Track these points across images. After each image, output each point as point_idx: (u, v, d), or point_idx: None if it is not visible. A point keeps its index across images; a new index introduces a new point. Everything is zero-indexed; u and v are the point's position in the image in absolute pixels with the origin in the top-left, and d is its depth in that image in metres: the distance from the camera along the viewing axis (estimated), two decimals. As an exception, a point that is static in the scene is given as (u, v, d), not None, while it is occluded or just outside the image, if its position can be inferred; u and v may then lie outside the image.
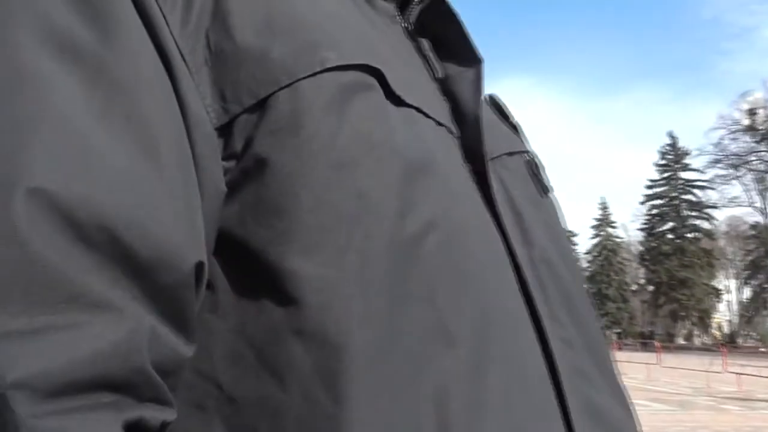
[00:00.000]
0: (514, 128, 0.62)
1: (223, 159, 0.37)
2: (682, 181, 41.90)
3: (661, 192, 42.76)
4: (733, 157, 38.35)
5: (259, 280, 0.36)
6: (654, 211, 43.09)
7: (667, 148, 42.19)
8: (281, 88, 0.37)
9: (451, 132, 0.48)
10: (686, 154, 41.40)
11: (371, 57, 0.41)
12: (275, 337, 0.35)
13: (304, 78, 0.38)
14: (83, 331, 0.28)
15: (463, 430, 0.36)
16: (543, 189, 0.56)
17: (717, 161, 38.92)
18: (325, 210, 0.37)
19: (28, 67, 0.32)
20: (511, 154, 0.54)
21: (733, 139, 38.31)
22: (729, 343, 37.01)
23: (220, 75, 0.38)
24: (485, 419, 0.37)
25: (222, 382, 0.36)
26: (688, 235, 41.34)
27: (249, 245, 0.37)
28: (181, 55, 0.37)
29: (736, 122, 37.80)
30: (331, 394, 0.34)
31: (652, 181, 43.16)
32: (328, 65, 0.39)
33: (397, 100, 0.42)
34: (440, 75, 0.52)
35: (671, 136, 42.45)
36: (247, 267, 0.37)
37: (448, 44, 0.53)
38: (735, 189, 48.82)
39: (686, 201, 41.70)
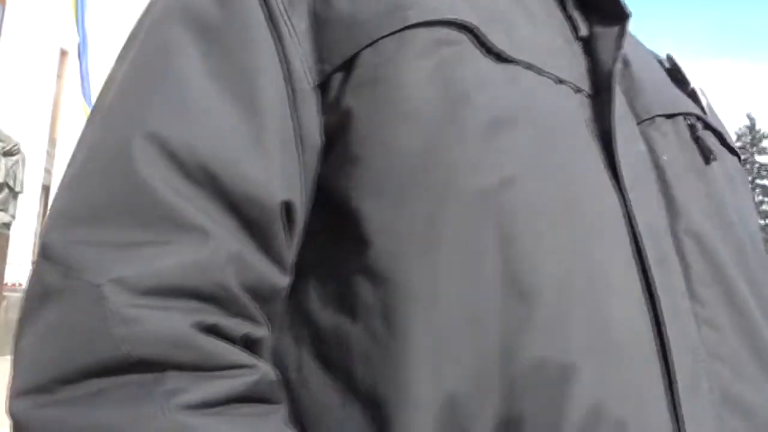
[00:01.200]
0: (692, 93, 0.57)
1: (321, 114, 0.41)
2: (758, 165, 40.71)
3: (734, 175, 40.87)
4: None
5: (343, 224, 0.40)
6: (725, 195, 40.74)
7: (744, 129, 41.07)
8: (365, 47, 0.41)
9: (579, 90, 0.46)
10: (764, 137, 40.70)
11: (461, 13, 0.42)
12: (351, 277, 0.39)
13: (386, 36, 0.41)
14: (173, 246, 0.36)
15: (534, 393, 0.36)
16: (708, 156, 0.51)
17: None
18: (396, 158, 0.39)
19: (164, 40, 0.41)
20: (670, 116, 0.51)
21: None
22: None
23: (319, 38, 0.42)
24: (564, 384, 0.37)
25: (313, 316, 0.41)
26: (761, 222, 39.60)
27: (336, 192, 0.41)
28: (289, 22, 0.42)
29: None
30: (390, 329, 0.37)
31: (725, 163, 41.18)
32: (409, 23, 0.41)
33: (497, 56, 0.43)
34: (584, 34, 0.50)
35: (749, 117, 41.70)
36: (335, 212, 0.41)
37: (597, 1, 0.51)
38: None
39: (761, 186, 40.36)
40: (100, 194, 0.37)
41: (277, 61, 0.41)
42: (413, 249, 0.38)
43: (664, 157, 0.48)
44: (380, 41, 0.41)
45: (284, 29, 0.42)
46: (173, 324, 0.34)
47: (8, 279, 7.62)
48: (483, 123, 0.41)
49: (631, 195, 0.43)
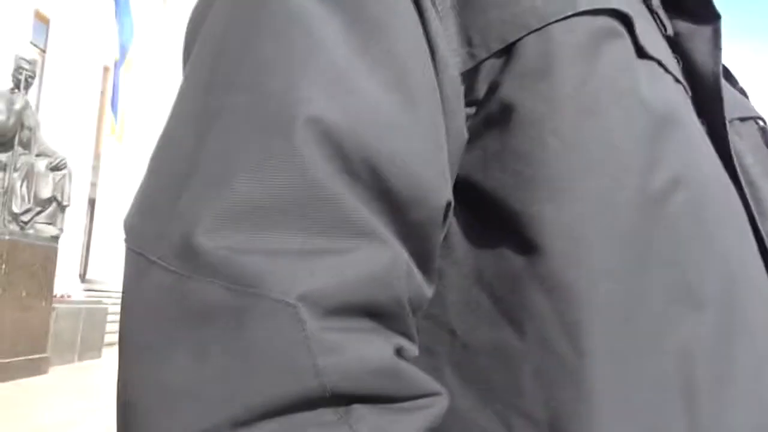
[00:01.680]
0: (743, 93, 0.57)
1: (466, 105, 0.37)
2: None
3: None
4: None
5: (499, 227, 0.36)
6: None
7: None
8: (531, 32, 0.36)
9: (686, 91, 0.45)
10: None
11: (620, 3, 0.40)
12: (514, 285, 0.35)
13: (556, 21, 0.37)
14: (353, 255, 0.30)
15: (708, 398, 0.35)
16: None
17: None
18: (573, 156, 0.36)
19: (298, 9, 0.33)
20: (743, 119, 0.51)
21: None
22: None
23: (467, 20, 0.37)
24: (733, 391, 0.36)
25: (455, 328, 0.36)
26: None
27: (490, 191, 0.36)
28: (432, 0, 0.36)
29: None
30: (573, 345, 0.33)
31: None
32: (580, 9, 0.38)
33: (640, 51, 0.40)
34: (669, 32, 0.49)
35: None
36: (486, 213, 0.36)
37: (679, 0, 0.50)
38: None
39: None
40: (261, 191, 0.30)
41: (422, 40, 0.35)
42: (594, 256, 0.35)
43: (750, 160, 0.48)
44: (548, 27, 0.37)
45: (428, 5, 0.36)
46: (377, 349, 0.29)
47: (57, 291, 7.80)
48: (653, 121, 0.38)
49: (750, 197, 0.44)
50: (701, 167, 0.40)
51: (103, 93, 12.89)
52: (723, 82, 0.53)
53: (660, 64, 0.42)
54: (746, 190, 0.45)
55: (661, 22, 0.49)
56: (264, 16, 0.33)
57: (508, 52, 0.37)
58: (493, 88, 0.36)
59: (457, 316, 0.36)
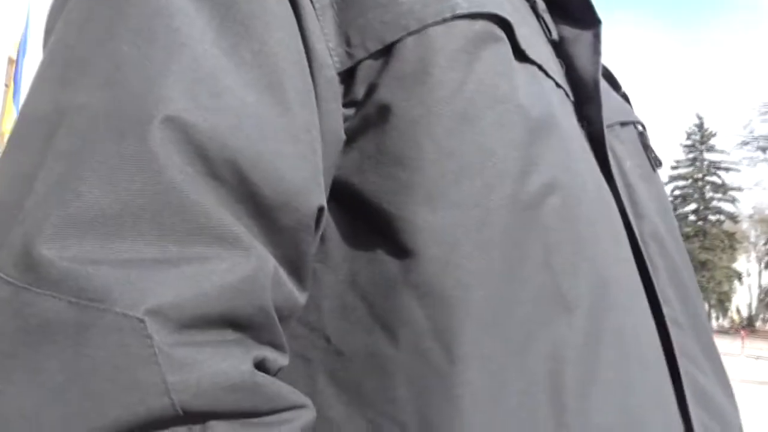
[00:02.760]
0: (625, 98, 0.58)
1: (344, 105, 0.36)
2: (707, 162, 41.92)
3: (685, 173, 42.09)
4: (761, 138, 39.80)
5: (374, 231, 0.35)
6: (677, 192, 42.08)
7: (694, 128, 42.27)
8: (409, 34, 0.36)
9: (567, 95, 0.45)
10: (713, 135, 41.91)
11: (500, 8, 0.39)
12: (389, 290, 0.34)
13: (434, 24, 0.36)
14: (213, 264, 0.28)
15: (576, 400, 0.35)
16: (654, 163, 0.53)
17: (745, 143, 39.91)
18: (449, 161, 0.35)
19: (164, 3, 0.31)
20: (623, 124, 0.52)
21: (764, 121, 40.06)
22: (747, 327, 36.21)
23: (346, 19, 0.36)
24: (599, 392, 0.36)
25: (330, 334, 0.35)
26: (711, 218, 40.82)
27: (366, 194, 0.35)
28: None
29: (766, 103, 39.61)
30: (445, 352, 0.33)
31: (677, 161, 42.35)
32: (459, 12, 0.37)
33: (522, 56, 0.40)
34: (554, 37, 0.49)
35: (698, 116, 42.88)
36: (362, 217, 0.35)
37: (564, 5, 0.50)
38: (761, 172, 51.45)
39: (710, 183, 41.56)
40: (112, 197, 0.27)
41: (298, 40, 0.34)
42: (467, 262, 0.34)
43: (628, 163, 0.49)
44: (426, 29, 0.36)
45: (305, 3, 0.35)
46: (233, 364, 0.27)
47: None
48: (528, 126, 0.38)
49: (625, 200, 0.44)
50: (576, 172, 0.40)
51: (8, 86, 12.18)
52: (605, 86, 0.53)
53: (540, 68, 0.42)
54: (623, 192, 0.45)
55: (547, 26, 0.49)
56: (127, 8, 0.31)
57: (386, 53, 0.36)
58: (371, 89, 0.36)
59: (331, 323, 0.35)
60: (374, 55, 0.36)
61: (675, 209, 41.92)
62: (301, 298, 0.34)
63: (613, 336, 0.38)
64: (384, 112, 0.36)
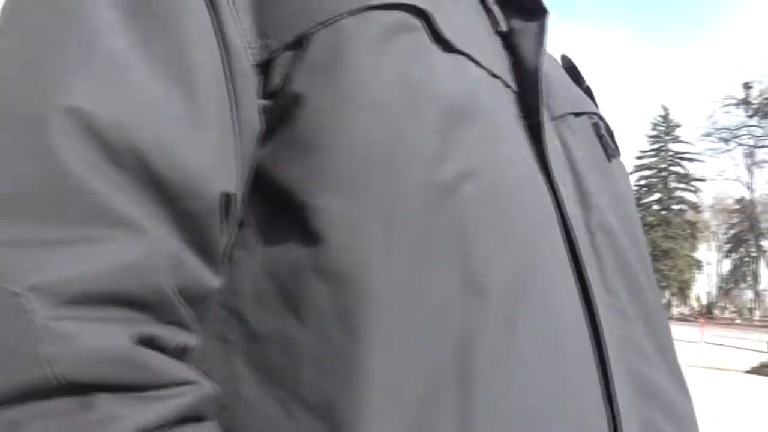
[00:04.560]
0: (587, 91, 0.59)
1: (263, 97, 0.37)
2: (671, 153, 42.74)
3: (650, 163, 42.88)
4: (724, 130, 40.73)
5: (287, 218, 0.36)
6: (642, 182, 42.91)
7: (659, 119, 43.00)
8: (322, 25, 0.37)
9: (507, 86, 0.46)
10: (677, 126, 42.69)
11: None
12: (297, 275, 0.35)
13: (346, 15, 0.37)
14: (105, 245, 0.30)
15: (487, 383, 0.35)
16: (609, 153, 0.53)
17: (708, 134, 40.81)
18: (357, 149, 0.36)
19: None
20: (577, 114, 0.52)
21: (726, 112, 40.99)
22: (706, 314, 37.38)
23: (263, 11, 0.37)
24: (513, 375, 0.36)
25: (246, 317, 0.36)
26: (674, 207, 41.73)
27: (280, 182, 0.37)
28: None
29: (730, 96, 40.50)
30: (347, 333, 0.34)
31: (642, 151, 43.15)
32: (372, 3, 0.38)
33: (445, 45, 0.41)
34: (503, 29, 0.50)
35: (663, 107, 43.60)
36: (276, 204, 0.37)
37: None
38: (723, 162, 52.39)
39: (674, 173, 42.42)
40: (9, 182, 0.29)
41: (212, 33, 0.36)
42: (372, 247, 0.35)
43: (579, 153, 0.49)
44: (339, 21, 0.37)
45: None
46: (111, 338, 0.29)
47: None
48: (442, 113, 0.38)
49: (563, 191, 0.44)
50: (500, 161, 0.40)
51: None
52: (562, 77, 0.56)
53: (470, 58, 0.42)
54: (567, 183, 0.45)
55: (495, 18, 0.50)
56: (44, 3, 0.33)
57: (300, 44, 0.37)
58: (287, 80, 0.37)
59: (248, 305, 0.36)
60: (289, 47, 0.37)
61: (639, 198, 42.72)
62: (213, 281, 0.35)
63: (531, 324, 0.38)
64: (297, 101, 0.36)
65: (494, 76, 0.45)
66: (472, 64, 0.43)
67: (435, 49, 0.40)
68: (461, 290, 0.36)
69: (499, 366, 0.36)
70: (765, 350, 12.66)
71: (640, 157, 43.11)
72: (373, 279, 0.35)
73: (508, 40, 0.50)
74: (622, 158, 0.62)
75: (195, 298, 0.34)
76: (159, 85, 0.33)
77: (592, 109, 0.55)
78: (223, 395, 0.35)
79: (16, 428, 0.27)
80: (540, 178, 0.44)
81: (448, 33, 0.41)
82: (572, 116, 0.51)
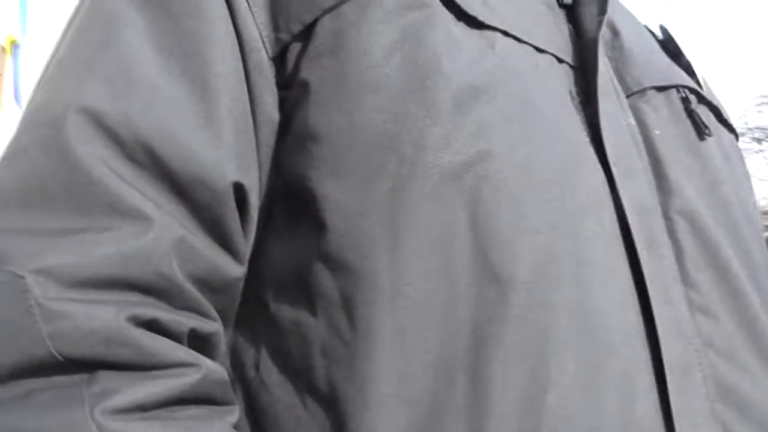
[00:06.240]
0: (687, 66, 0.53)
1: (279, 88, 0.38)
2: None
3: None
4: (756, 129, 39.72)
5: (299, 207, 0.37)
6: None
7: (690, 118, 42.10)
8: (325, 12, 0.38)
9: (561, 60, 0.43)
10: (708, 125, 41.74)
11: None
12: (309, 264, 0.36)
13: (348, 0, 0.38)
14: (110, 234, 0.32)
15: (506, 380, 0.33)
16: (701, 132, 0.48)
17: (741, 134, 39.76)
18: (360, 133, 0.36)
19: (106, 8, 0.37)
20: (661, 89, 0.47)
21: (759, 111, 40.00)
22: None
23: (276, 6, 0.39)
24: (538, 372, 0.34)
25: (269, 306, 0.37)
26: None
27: (292, 171, 0.37)
28: None
29: (763, 95, 39.36)
30: (353, 323, 0.34)
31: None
32: None
33: (470, 20, 0.39)
34: (567, 0, 0.47)
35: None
36: (291, 194, 0.37)
37: None
38: (756, 162, 51.46)
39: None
40: (32, 175, 0.33)
41: (231, 30, 0.37)
42: (377, 234, 0.35)
43: (657, 132, 0.45)
44: (341, 6, 0.38)
45: None
46: (105, 319, 0.31)
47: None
48: (456, 93, 0.37)
49: (616, 171, 0.40)
50: (526, 140, 0.38)
51: (1, 75, 12.03)
52: (649, 49, 0.51)
53: (506, 33, 0.41)
54: (622, 162, 0.41)
55: None
56: (78, 18, 0.39)
57: (307, 33, 0.38)
58: (297, 70, 0.38)
59: (270, 294, 0.38)
60: (297, 37, 0.38)
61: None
62: (233, 269, 0.37)
63: (561, 317, 0.35)
64: (305, 89, 0.37)
65: (540, 50, 0.42)
66: (507, 39, 0.41)
67: (454, 26, 0.39)
68: (476, 279, 0.35)
69: (521, 362, 0.34)
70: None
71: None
72: (376, 267, 0.34)
73: (572, 11, 0.47)
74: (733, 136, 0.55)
75: (215, 287, 0.36)
76: (172, 82, 0.35)
77: (681, 81, 0.50)
78: (253, 380, 0.37)
79: (31, 396, 0.30)
80: (594, 159, 0.40)
81: (476, 8, 0.40)
82: (654, 91, 0.47)
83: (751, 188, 0.53)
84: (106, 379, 0.30)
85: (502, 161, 0.37)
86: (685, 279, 0.41)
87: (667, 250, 0.41)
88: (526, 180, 0.37)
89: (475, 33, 0.39)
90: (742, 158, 0.54)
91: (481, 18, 0.40)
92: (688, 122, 0.48)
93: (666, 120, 0.46)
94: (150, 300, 0.32)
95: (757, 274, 0.45)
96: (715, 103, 0.52)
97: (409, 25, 0.38)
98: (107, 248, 0.32)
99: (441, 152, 0.36)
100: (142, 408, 0.31)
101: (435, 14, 0.39)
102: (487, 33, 0.40)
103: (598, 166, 0.40)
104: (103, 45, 0.36)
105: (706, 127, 0.48)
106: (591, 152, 0.41)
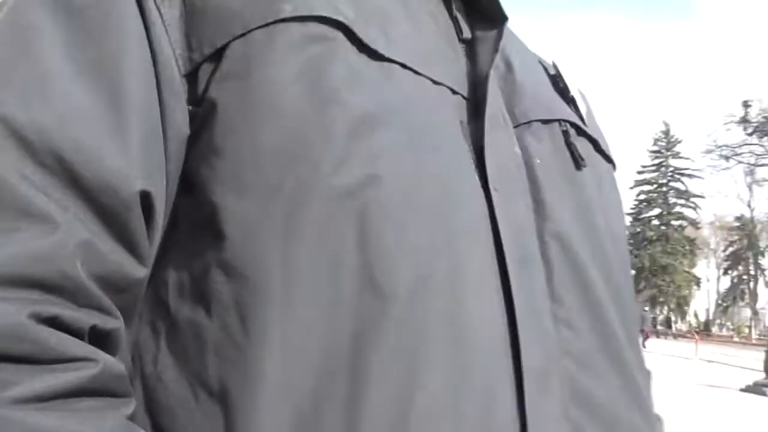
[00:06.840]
0: (571, 101, 0.57)
1: (190, 104, 0.40)
2: (672, 169, 42.75)
3: (650, 178, 42.95)
4: (724, 147, 40.70)
5: (202, 217, 0.39)
6: (642, 197, 42.95)
7: (660, 134, 43.07)
8: (236, 38, 0.40)
9: (455, 92, 0.46)
10: (678, 142, 42.71)
11: (335, 11, 0.42)
12: (207, 270, 0.39)
13: (258, 28, 0.40)
14: (17, 235, 0.33)
15: (380, 382, 0.37)
16: (578, 162, 0.52)
17: (709, 151, 40.77)
18: (260, 153, 0.39)
19: (25, 19, 0.38)
20: (546, 121, 0.52)
21: (727, 130, 40.97)
22: (703, 331, 37.32)
23: (190, 27, 0.41)
24: (410, 376, 0.37)
25: (171, 306, 0.40)
26: (674, 223, 41.76)
27: (197, 184, 0.40)
28: (158, 10, 0.40)
29: (731, 114, 40.40)
30: (244, 327, 0.37)
31: (643, 166, 43.22)
32: (282, 16, 0.41)
33: (371, 53, 0.42)
34: (466, 36, 0.51)
35: (665, 123, 43.71)
36: (194, 203, 0.40)
37: (479, 4, 0.52)
38: (723, 180, 52.47)
39: (674, 189, 42.42)
40: None
41: (146, 47, 0.39)
42: (271, 246, 0.38)
43: (537, 161, 0.49)
44: (251, 33, 0.40)
45: (154, 15, 0.40)
46: (6, 314, 0.32)
47: None
48: (351, 121, 0.40)
49: (496, 196, 0.44)
50: (415, 166, 0.41)
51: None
52: (539, 83, 0.56)
53: (404, 66, 0.43)
54: (502, 188, 0.44)
55: (459, 26, 0.51)
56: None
57: (218, 55, 0.40)
58: (206, 88, 0.40)
59: (172, 296, 0.40)
60: (209, 59, 0.40)
61: (639, 213, 42.77)
62: (137, 271, 0.38)
63: (436, 327, 0.38)
64: (212, 108, 0.40)
65: (436, 83, 0.45)
66: (404, 71, 0.44)
67: (356, 58, 0.42)
68: (359, 290, 0.38)
69: (396, 364, 0.37)
70: (761, 369, 12.60)
71: (641, 172, 43.20)
72: (268, 276, 0.37)
73: (471, 46, 0.51)
74: (618, 169, 0.61)
75: (119, 286, 0.37)
76: (85, 94, 0.37)
77: (564, 116, 0.54)
78: (150, 376, 0.40)
79: None
80: (477, 185, 0.44)
81: (378, 42, 0.43)
82: (539, 123, 0.51)
83: (621, 213, 0.59)
84: (6, 371, 0.31)
85: (390, 186, 0.40)
86: (553, 295, 0.45)
87: (539, 268, 0.45)
88: (410, 203, 0.40)
89: (375, 65, 0.42)
90: (615, 187, 0.58)
91: (381, 51, 0.43)
92: (567, 153, 0.52)
93: (548, 150, 0.51)
94: (53, 298, 0.34)
95: (619, 293, 0.50)
96: (594, 135, 0.57)
97: (314, 56, 0.41)
98: (13, 248, 0.33)
99: (334, 175, 0.39)
100: (40, 398, 0.32)
101: (338, 47, 0.42)
102: (386, 65, 0.43)
103: (480, 190, 0.43)
104: (18, 54, 0.37)
105: (582, 158, 0.53)
106: (475, 177, 0.44)
